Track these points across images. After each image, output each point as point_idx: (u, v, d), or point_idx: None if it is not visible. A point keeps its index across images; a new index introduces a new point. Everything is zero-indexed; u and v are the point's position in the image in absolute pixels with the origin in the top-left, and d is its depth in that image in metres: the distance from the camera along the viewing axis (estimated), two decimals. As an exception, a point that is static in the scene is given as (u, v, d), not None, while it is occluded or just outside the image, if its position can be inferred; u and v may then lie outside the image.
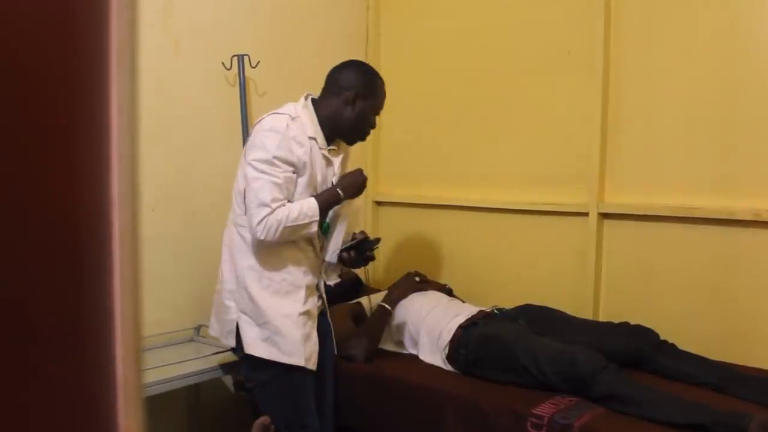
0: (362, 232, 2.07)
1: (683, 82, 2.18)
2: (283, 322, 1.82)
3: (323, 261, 1.99)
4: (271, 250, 1.84)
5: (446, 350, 2.05)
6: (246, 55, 2.46)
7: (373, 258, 2.06)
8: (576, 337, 1.94)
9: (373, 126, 1.98)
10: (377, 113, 1.98)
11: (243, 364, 1.93)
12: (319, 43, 2.81)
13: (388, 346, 2.24)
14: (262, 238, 1.73)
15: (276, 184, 1.74)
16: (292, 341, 1.82)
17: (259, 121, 1.86)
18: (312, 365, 1.86)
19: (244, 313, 1.84)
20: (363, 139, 2.00)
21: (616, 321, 2.07)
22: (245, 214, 1.83)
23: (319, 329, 1.94)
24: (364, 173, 2.00)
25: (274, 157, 1.74)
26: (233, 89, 2.48)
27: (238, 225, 1.86)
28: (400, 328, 2.24)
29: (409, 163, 3.02)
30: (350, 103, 1.89)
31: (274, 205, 1.73)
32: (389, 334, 2.25)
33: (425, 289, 2.31)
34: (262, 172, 1.73)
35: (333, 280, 2.06)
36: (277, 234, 1.74)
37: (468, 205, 2.71)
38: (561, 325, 2.07)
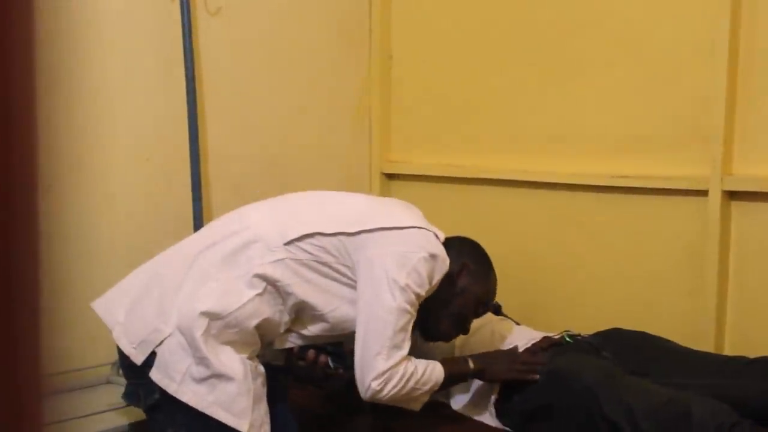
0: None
1: None
2: (230, 365, 1.71)
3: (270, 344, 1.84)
4: (242, 319, 1.74)
5: (494, 397, 1.99)
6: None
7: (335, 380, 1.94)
8: (690, 378, 1.87)
9: (465, 330, 1.95)
10: (482, 306, 1.96)
11: (158, 411, 1.74)
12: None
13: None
14: (369, 394, 1.74)
15: (412, 324, 1.79)
16: (238, 392, 1.69)
17: (413, 228, 1.81)
18: None
19: (182, 333, 1.70)
20: (445, 337, 1.98)
21: (751, 355, 1.94)
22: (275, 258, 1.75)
23: (272, 393, 1.81)
24: (522, 358, 1.98)
25: (424, 293, 1.79)
26: (172, 4, 2.34)
27: (257, 267, 1.74)
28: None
29: (432, 120, 2.78)
30: (453, 274, 1.88)
31: (406, 353, 1.75)
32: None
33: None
34: (411, 304, 1.76)
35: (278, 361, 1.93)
36: (395, 394, 1.74)
37: (520, 179, 2.52)
38: (666, 360, 1.99)
